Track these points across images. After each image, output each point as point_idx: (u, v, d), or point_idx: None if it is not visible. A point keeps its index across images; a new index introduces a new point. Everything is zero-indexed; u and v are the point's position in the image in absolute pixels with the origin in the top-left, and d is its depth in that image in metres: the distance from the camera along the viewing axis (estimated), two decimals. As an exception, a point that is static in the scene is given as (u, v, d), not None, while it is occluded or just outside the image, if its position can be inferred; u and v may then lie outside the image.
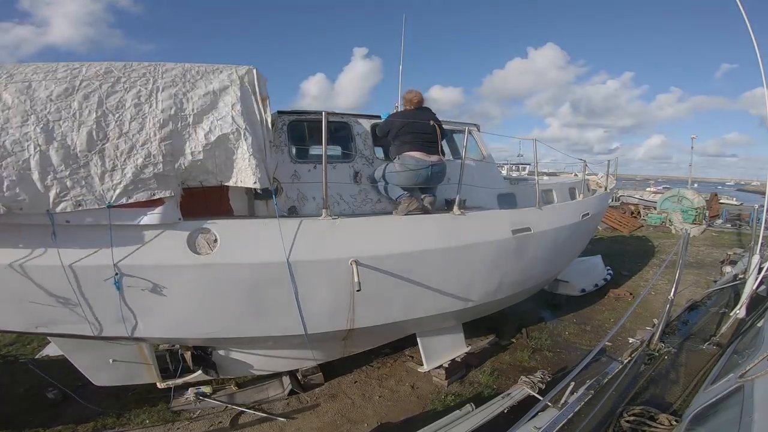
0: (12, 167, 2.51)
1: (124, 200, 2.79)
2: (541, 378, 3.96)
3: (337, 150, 4.72)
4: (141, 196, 2.84)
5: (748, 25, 4.44)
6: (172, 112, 2.92)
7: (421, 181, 4.15)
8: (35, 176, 2.56)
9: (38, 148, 2.57)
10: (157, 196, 2.89)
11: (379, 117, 4.74)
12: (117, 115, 2.80)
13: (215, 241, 3.09)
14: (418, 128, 4.10)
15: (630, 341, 3.92)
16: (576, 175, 9.00)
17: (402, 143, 4.10)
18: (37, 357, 4.91)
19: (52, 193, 2.61)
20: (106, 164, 2.74)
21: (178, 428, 3.75)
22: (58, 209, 2.65)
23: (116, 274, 2.85)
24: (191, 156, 2.97)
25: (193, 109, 2.99)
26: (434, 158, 4.11)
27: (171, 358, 4.16)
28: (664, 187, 30.08)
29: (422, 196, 4.23)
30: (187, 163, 2.97)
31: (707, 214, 16.88)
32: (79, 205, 2.68)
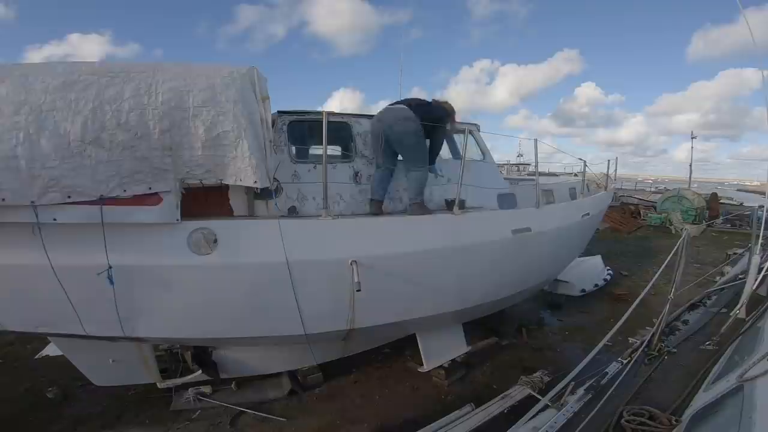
0: None
1: (118, 193, 2.69)
2: (541, 378, 3.97)
3: (337, 150, 4.71)
4: (137, 190, 2.75)
5: (748, 23, 4.43)
6: (173, 104, 2.83)
7: None
8: (22, 164, 2.42)
9: (28, 137, 2.43)
10: (153, 190, 2.81)
11: None
12: (115, 106, 2.68)
13: (215, 241, 3.09)
14: None
15: (630, 341, 3.92)
16: (576, 175, 9.02)
17: None
18: (37, 357, 4.91)
19: (39, 183, 2.47)
20: (102, 155, 2.61)
21: (178, 428, 3.74)
22: (46, 200, 2.52)
23: (109, 267, 2.80)
24: (190, 150, 2.89)
25: (193, 103, 2.89)
26: None
27: (171, 358, 4.16)
28: (661, 188, 30.01)
29: None
30: (186, 158, 2.89)
31: (707, 214, 16.86)
32: (69, 196, 2.56)
